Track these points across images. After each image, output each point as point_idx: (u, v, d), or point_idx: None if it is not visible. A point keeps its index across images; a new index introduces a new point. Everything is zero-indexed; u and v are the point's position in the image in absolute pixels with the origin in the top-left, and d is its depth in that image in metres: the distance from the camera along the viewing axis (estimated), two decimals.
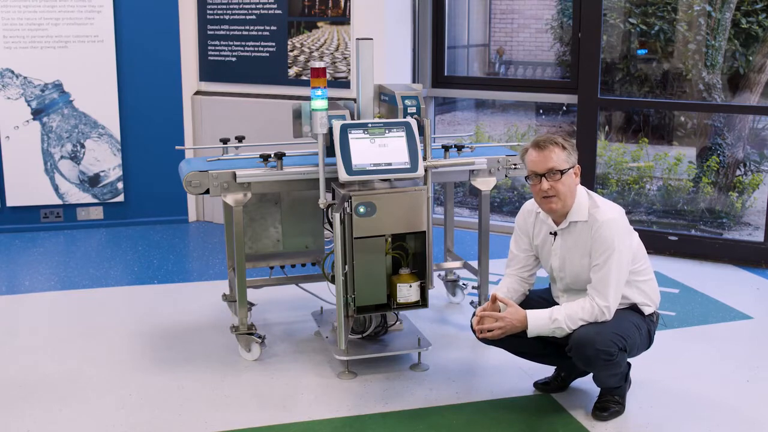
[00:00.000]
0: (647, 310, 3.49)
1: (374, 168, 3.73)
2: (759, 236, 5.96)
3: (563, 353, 3.46)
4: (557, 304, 3.52)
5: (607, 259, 3.31)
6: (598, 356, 3.30)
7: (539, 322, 3.36)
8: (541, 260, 3.64)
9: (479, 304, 4.44)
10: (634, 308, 3.48)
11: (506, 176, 4.36)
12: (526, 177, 3.46)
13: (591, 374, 3.57)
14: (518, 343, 3.57)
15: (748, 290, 5.21)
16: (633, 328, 3.40)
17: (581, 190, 3.45)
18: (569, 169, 3.36)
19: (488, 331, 3.39)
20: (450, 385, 3.86)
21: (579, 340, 3.32)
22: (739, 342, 4.42)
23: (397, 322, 4.20)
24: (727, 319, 4.72)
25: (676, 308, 4.85)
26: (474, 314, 3.51)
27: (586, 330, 3.32)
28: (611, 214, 3.37)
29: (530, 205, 3.64)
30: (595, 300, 3.33)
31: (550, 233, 3.51)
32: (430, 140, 3.91)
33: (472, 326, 3.51)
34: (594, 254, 3.35)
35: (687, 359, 4.17)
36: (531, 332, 3.37)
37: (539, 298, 3.67)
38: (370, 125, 3.80)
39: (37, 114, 6.35)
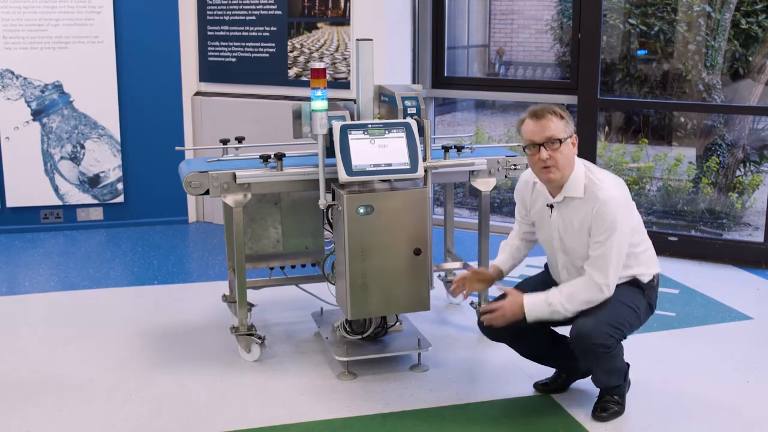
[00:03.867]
0: (646, 278, 3.47)
1: (374, 169, 3.74)
2: (759, 237, 5.96)
3: (572, 354, 3.48)
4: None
5: (608, 237, 3.29)
6: (596, 350, 3.31)
7: (536, 307, 3.37)
8: (538, 234, 3.63)
9: (479, 305, 4.44)
10: (633, 282, 3.45)
11: (506, 177, 4.36)
12: (523, 147, 3.42)
13: (591, 376, 3.58)
14: (530, 344, 3.64)
15: (748, 291, 5.21)
16: (630, 313, 3.40)
17: (578, 164, 3.41)
18: (567, 138, 3.33)
19: (489, 315, 3.44)
20: (450, 385, 3.87)
21: (578, 333, 3.32)
22: (739, 342, 4.42)
23: (397, 323, 4.20)
24: (727, 320, 4.72)
25: (676, 309, 4.85)
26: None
27: (584, 322, 3.32)
28: (612, 191, 3.34)
29: (527, 176, 3.63)
30: (594, 277, 3.32)
31: (547, 205, 3.49)
32: (430, 141, 3.91)
33: (479, 321, 3.58)
34: (595, 232, 3.32)
35: (687, 360, 4.17)
36: (530, 318, 3.38)
37: (538, 284, 3.64)
38: (370, 126, 3.80)
39: (37, 115, 6.35)
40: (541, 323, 3.50)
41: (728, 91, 7.11)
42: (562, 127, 3.33)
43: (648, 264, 3.50)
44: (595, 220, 3.31)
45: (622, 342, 3.42)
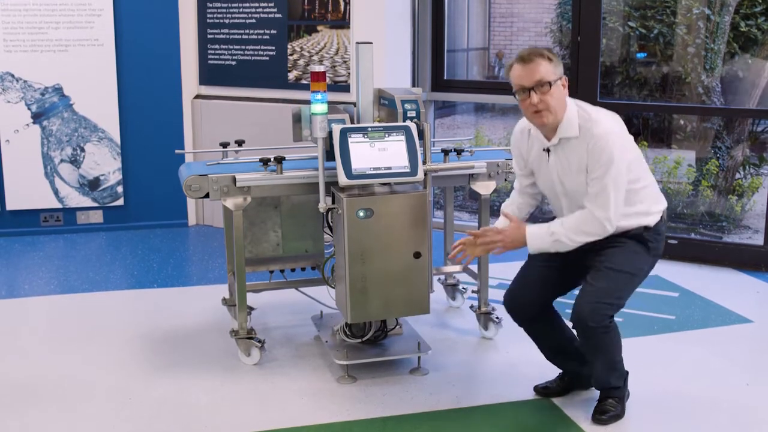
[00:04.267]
0: (653, 219, 3.43)
1: (374, 172, 3.74)
2: (759, 239, 5.97)
3: (583, 359, 3.55)
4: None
5: (605, 172, 3.25)
6: (595, 331, 3.34)
7: (538, 237, 3.35)
8: (538, 181, 3.59)
9: (479, 308, 4.44)
10: (638, 237, 3.41)
11: (506, 180, 4.36)
12: (513, 93, 3.37)
13: (592, 375, 3.59)
14: (550, 335, 3.67)
15: (748, 294, 5.21)
16: (629, 282, 3.40)
17: (570, 104, 3.37)
18: (557, 80, 3.29)
19: (487, 238, 3.43)
20: (450, 389, 3.86)
21: (576, 316, 3.35)
22: (740, 346, 4.42)
23: (397, 327, 4.20)
24: (727, 323, 4.72)
25: (676, 312, 4.85)
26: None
27: (582, 304, 3.34)
28: (607, 125, 3.30)
29: (521, 125, 3.59)
30: (595, 213, 3.29)
31: (543, 150, 3.46)
32: (429, 144, 3.91)
33: (504, 302, 3.65)
34: (591, 167, 3.28)
35: (687, 363, 4.17)
36: (531, 248, 3.36)
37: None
38: (369, 129, 3.81)
39: (37, 118, 6.35)
40: (561, 328, 3.60)
41: (727, 93, 7.11)
42: (551, 69, 3.28)
43: (652, 200, 3.45)
44: (591, 156, 3.27)
45: (618, 330, 3.44)
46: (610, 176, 3.25)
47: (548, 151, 3.44)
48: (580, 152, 3.32)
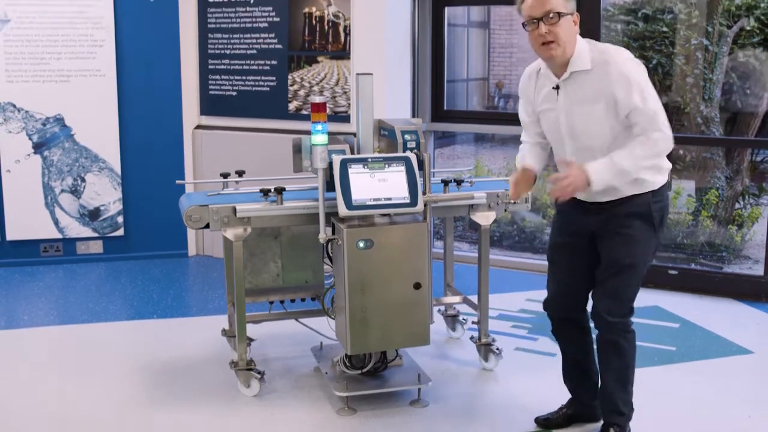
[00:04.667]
0: (660, 180, 3.39)
1: (374, 203, 3.74)
2: (759, 270, 5.96)
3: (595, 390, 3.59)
4: None
5: (642, 96, 3.21)
6: (615, 327, 3.42)
7: (602, 172, 3.23)
8: (544, 126, 3.53)
9: (479, 339, 4.43)
10: (644, 214, 3.36)
11: (505, 211, 4.36)
12: (523, 24, 3.33)
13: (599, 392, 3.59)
14: (577, 345, 3.68)
15: (748, 325, 5.19)
16: (638, 274, 3.41)
17: (581, 40, 3.34)
18: (568, 14, 3.26)
19: (559, 186, 3.27)
20: (450, 420, 3.84)
21: (595, 312, 3.44)
22: (740, 377, 4.40)
23: (397, 358, 4.18)
24: (727, 354, 4.70)
25: (676, 343, 4.84)
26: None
27: (598, 305, 3.42)
28: (624, 53, 3.28)
29: (529, 68, 3.56)
30: (651, 135, 3.22)
31: (553, 88, 3.40)
32: (429, 175, 3.92)
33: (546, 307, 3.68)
34: (624, 96, 3.21)
35: (688, 394, 4.15)
36: (596, 184, 3.23)
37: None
38: (369, 160, 3.82)
39: (38, 148, 6.37)
40: (589, 338, 3.64)
41: (726, 123, 7.13)
42: (562, 2, 3.24)
43: (663, 166, 3.42)
44: (619, 84, 3.21)
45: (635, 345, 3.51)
46: (648, 97, 3.22)
47: (557, 89, 3.38)
48: (596, 83, 3.27)
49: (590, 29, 5.75)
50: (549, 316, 3.70)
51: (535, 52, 3.37)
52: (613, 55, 3.27)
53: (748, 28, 7.11)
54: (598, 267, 3.47)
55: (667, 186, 3.46)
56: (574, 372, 3.74)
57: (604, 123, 3.29)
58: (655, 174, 3.37)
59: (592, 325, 3.58)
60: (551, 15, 3.21)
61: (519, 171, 3.51)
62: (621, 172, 3.23)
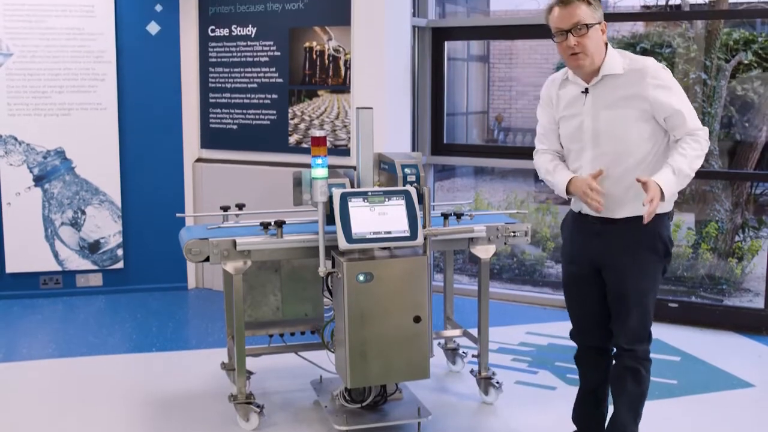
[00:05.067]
0: (665, 208, 3.36)
1: (374, 236, 3.75)
2: (759, 303, 5.95)
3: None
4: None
5: (681, 100, 3.26)
6: (635, 354, 3.44)
7: (670, 181, 3.20)
8: (564, 131, 3.50)
9: (479, 373, 4.41)
10: (651, 244, 3.37)
11: (505, 244, 4.36)
12: (552, 36, 3.36)
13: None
14: (598, 374, 3.66)
15: (749, 357, 5.18)
16: (650, 306, 3.42)
17: (610, 48, 3.37)
18: (595, 24, 3.29)
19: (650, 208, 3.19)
20: None
21: (616, 342, 3.46)
22: (742, 410, 4.38)
23: (397, 391, 4.17)
24: (728, 387, 4.68)
25: (677, 376, 4.82)
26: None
27: (619, 339, 3.44)
28: (654, 61, 3.32)
29: (556, 75, 3.57)
30: (697, 133, 3.26)
31: (582, 92, 3.40)
32: (429, 209, 3.93)
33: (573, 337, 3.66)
34: (666, 100, 3.25)
35: (689, 428, 4.13)
36: (667, 194, 3.19)
37: None
38: (369, 193, 3.83)
39: (38, 180, 6.39)
40: (607, 368, 3.62)
41: (725, 156, 7.15)
42: (589, 12, 3.27)
43: None
44: (657, 87, 3.26)
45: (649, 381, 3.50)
46: (685, 100, 3.28)
47: (586, 92, 3.39)
48: (627, 88, 3.29)
49: None
50: (577, 344, 3.70)
51: (563, 61, 3.41)
52: (645, 62, 3.32)
53: (746, 61, 7.15)
54: (609, 297, 3.48)
55: (668, 215, 3.45)
56: (589, 402, 3.72)
57: (632, 127, 3.30)
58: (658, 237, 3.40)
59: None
60: (579, 27, 3.26)
61: (585, 180, 3.36)
62: (684, 177, 3.24)
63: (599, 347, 3.63)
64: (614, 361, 3.53)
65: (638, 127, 3.30)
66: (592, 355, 3.66)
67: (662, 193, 3.15)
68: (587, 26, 3.26)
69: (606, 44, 3.36)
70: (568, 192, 3.43)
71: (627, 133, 3.31)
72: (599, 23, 3.30)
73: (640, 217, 3.21)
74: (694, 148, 3.25)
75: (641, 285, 3.39)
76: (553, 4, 3.34)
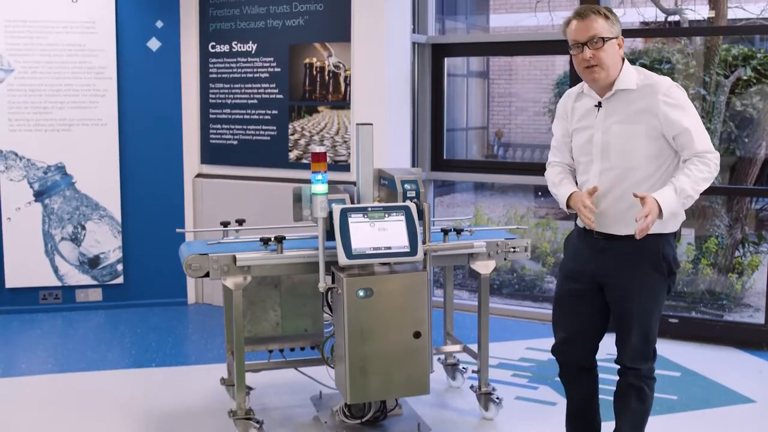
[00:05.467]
0: (677, 224, 3.40)
1: (374, 252, 3.75)
2: (760, 318, 5.95)
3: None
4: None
5: (693, 119, 3.27)
6: (639, 373, 3.45)
7: (670, 199, 3.20)
8: (576, 143, 3.51)
9: (480, 388, 4.41)
10: (656, 266, 3.36)
11: (505, 259, 4.36)
12: (568, 48, 3.38)
13: None
14: (584, 391, 3.67)
15: (750, 373, 5.17)
16: (654, 324, 3.42)
17: (627, 63, 3.39)
18: (612, 38, 3.31)
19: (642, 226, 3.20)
20: None
21: (620, 362, 3.47)
22: (743, 426, 4.37)
23: (397, 407, 4.16)
24: (729, 403, 4.68)
25: (678, 392, 4.81)
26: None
27: (623, 358, 3.44)
28: (669, 79, 3.33)
29: (573, 89, 3.59)
30: (706, 156, 3.26)
31: (595, 105, 3.42)
32: (429, 224, 3.93)
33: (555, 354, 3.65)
34: (677, 119, 3.26)
35: None
36: (666, 212, 3.18)
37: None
38: (369, 209, 3.83)
39: (39, 196, 6.40)
40: (595, 385, 3.65)
41: (725, 171, 7.16)
42: (606, 26, 3.29)
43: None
44: (669, 105, 3.27)
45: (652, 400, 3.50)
46: (693, 117, 3.29)
47: (599, 106, 3.41)
48: (639, 104, 3.31)
49: None
50: (558, 361, 3.68)
51: (579, 74, 3.42)
52: (659, 79, 3.33)
53: (745, 77, 7.18)
54: (611, 317, 3.49)
55: (674, 235, 3.45)
56: (578, 420, 3.72)
57: (640, 143, 3.31)
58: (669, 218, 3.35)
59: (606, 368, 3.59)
60: (596, 40, 3.28)
61: (581, 196, 3.38)
62: (686, 197, 3.24)
63: (582, 365, 3.63)
64: (618, 378, 3.53)
65: (647, 143, 3.31)
66: (575, 373, 3.66)
67: (661, 210, 3.16)
68: (603, 39, 3.28)
69: (623, 59, 3.38)
70: (568, 206, 3.45)
71: (635, 149, 3.32)
72: (616, 38, 3.33)
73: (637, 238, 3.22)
74: (701, 170, 3.25)
75: (643, 303, 3.38)
76: (571, 17, 3.38)
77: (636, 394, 3.46)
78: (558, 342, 3.64)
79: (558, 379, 3.75)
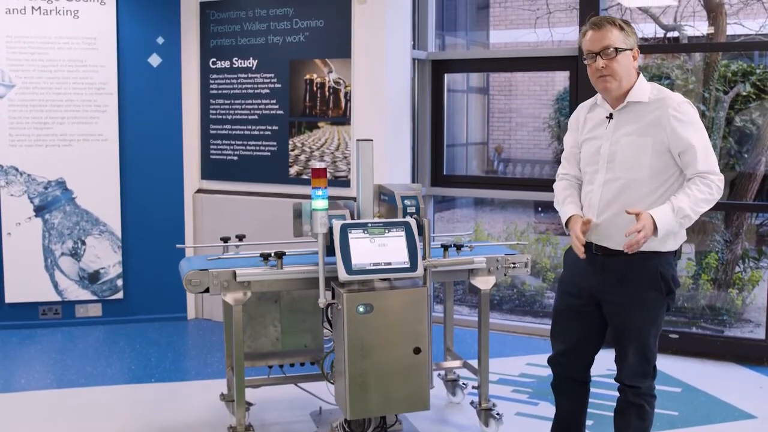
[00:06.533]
0: (677, 242, 3.40)
1: (374, 267, 3.75)
2: (760, 333, 5.94)
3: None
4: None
5: (700, 136, 3.27)
6: (639, 391, 3.44)
7: (666, 216, 3.21)
8: (585, 152, 3.52)
9: (480, 404, 4.39)
10: (654, 283, 3.36)
11: (505, 275, 4.36)
12: (583, 58, 3.41)
13: None
14: (575, 404, 3.69)
15: (751, 389, 5.16)
16: (654, 342, 3.42)
17: (642, 77, 3.41)
18: (626, 49, 3.33)
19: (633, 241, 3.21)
20: None
21: (620, 380, 3.46)
22: None
23: (397, 423, 4.15)
24: (730, 419, 4.66)
25: (678, 408, 4.80)
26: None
27: (623, 376, 3.44)
28: (681, 96, 3.35)
29: (587, 101, 3.62)
30: (708, 177, 3.25)
31: (606, 117, 3.44)
32: (429, 240, 3.94)
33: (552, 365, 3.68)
34: (683, 135, 3.26)
35: None
36: (661, 230, 3.20)
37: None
38: (369, 225, 3.84)
39: (39, 211, 6.40)
40: (585, 398, 3.67)
41: (725, 187, 7.17)
42: (621, 37, 3.32)
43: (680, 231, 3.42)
44: (677, 120, 3.27)
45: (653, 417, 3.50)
46: (700, 135, 3.28)
47: (610, 117, 3.43)
48: (649, 118, 3.32)
49: (590, 95, 5.83)
50: (553, 371, 3.70)
51: (593, 84, 3.44)
52: (671, 94, 3.35)
53: (744, 93, 7.20)
54: (610, 335, 3.49)
55: (674, 254, 3.44)
56: (564, 431, 3.74)
57: (646, 155, 3.32)
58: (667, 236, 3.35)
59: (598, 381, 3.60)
60: (609, 50, 3.31)
61: (576, 224, 3.41)
62: (684, 217, 3.24)
63: (576, 378, 3.65)
64: (618, 396, 3.52)
65: (653, 157, 3.32)
66: (568, 385, 3.68)
67: (657, 227, 3.17)
68: (617, 50, 3.31)
69: (638, 73, 3.41)
70: (567, 226, 3.48)
71: (641, 161, 3.33)
72: (630, 49, 3.36)
73: (641, 253, 3.24)
74: (702, 190, 3.25)
75: (640, 321, 3.39)
76: (587, 28, 3.42)
77: (636, 412, 3.45)
78: (555, 353, 3.67)
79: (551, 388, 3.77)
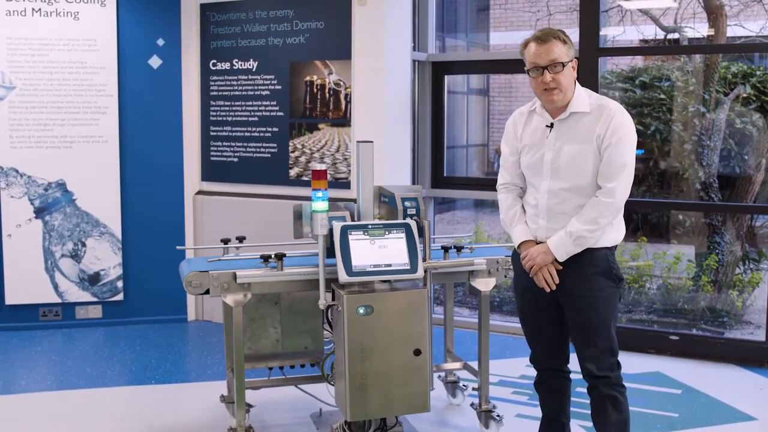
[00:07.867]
0: (618, 237, 3.52)
1: (374, 269, 3.76)
2: (760, 335, 5.94)
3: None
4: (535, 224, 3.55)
5: (618, 141, 3.35)
6: (608, 380, 3.47)
7: (562, 244, 3.40)
8: (525, 161, 3.59)
9: (480, 406, 4.39)
10: (605, 271, 3.45)
11: (505, 277, 4.37)
12: (527, 70, 3.47)
13: None
14: (558, 397, 3.77)
15: (751, 391, 5.15)
16: (613, 332, 3.48)
17: (578, 86, 3.49)
18: (569, 62, 3.40)
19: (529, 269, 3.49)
20: None
21: (586, 373, 3.51)
22: None
23: (397, 424, 4.15)
24: (731, 421, 4.66)
25: (678, 410, 4.80)
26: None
27: (586, 367, 3.49)
28: (619, 105, 3.44)
29: (522, 108, 3.67)
30: (602, 199, 3.37)
31: (547, 126, 3.50)
32: (429, 241, 3.94)
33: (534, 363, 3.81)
34: (607, 136, 3.36)
35: None
36: (559, 256, 3.41)
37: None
38: (370, 226, 3.84)
39: (39, 212, 6.40)
40: (568, 391, 3.74)
41: (725, 188, 7.17)
42: (564, 51, 3.39)
43: (620, 225, 3.55)
44: (609, 128, 3.36)
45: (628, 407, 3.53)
46: (623, 147, 3.37)
47: (551, 127, 3.49)
48: (590, 126, 3.41)
49: None
50: (536, 369, 3.79)
51: (536, 96, 3.52)
52: (609, 103, 3.45)
53: (745, 95, 7.20)
54: (571, 330, 3.56)
55: (613, 249, 3.55)
56: (553, 426, 3.79)
57: (588, 162, 3.41)
58: (616, 232, 3.51)
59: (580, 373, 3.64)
60: (555, 64, 3.37)
61: (546, 264, 3.49)
62: (578, 239, 3.39)
63: (559, 369, 3.73)
64: (590, 394, 3.55)
65: (594, 163, 3.41)
66: (554, 378, 3.75)
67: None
68: (563, 64, 3.39)
69: (575, 82, 3.48)
70: (519, 247, 3.60)
71: (584, 168, 3.42)
72: (571, 61, 3.44)
73: (591, 250, 3.41)
74: (593, 213, 3.38)
75: (602, 312, 3.46)
76: (529, 40, 3.48)
77: (612, 404, 3.48)
78: (534, 353, 3.77)
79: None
